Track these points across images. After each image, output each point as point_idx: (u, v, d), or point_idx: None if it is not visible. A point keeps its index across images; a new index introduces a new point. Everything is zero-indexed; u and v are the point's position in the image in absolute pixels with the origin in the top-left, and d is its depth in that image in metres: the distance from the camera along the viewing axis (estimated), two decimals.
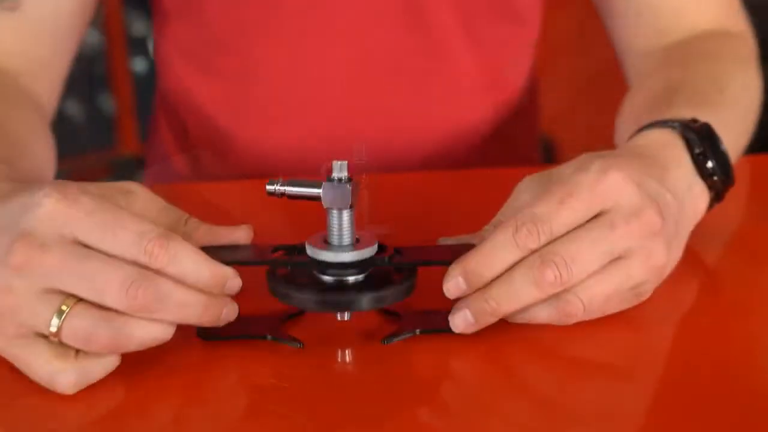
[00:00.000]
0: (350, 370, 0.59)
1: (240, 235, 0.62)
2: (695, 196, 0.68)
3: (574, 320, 0.60)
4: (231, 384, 0.57)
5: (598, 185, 0.59)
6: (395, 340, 0.60)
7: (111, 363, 0.56)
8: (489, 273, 0.58)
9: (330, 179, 0.59)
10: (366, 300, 0.58)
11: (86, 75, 2.55)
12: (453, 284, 0.59)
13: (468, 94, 1.01)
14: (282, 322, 0.62)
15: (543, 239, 0.58)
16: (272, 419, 0.54)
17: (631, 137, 0.72)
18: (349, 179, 0.59)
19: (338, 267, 0.59)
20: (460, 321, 0.59)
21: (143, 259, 0.54)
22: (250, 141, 0.99)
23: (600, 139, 0.88)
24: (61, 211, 0.55)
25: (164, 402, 0.56)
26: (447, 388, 0.57)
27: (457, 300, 0.59)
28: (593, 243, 0.58)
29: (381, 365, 0.59)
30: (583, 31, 2.09)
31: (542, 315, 0.60)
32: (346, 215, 0.59)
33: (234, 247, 0.62)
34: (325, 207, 0.59)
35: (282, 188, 0.60)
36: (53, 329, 0.54)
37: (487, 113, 1.02)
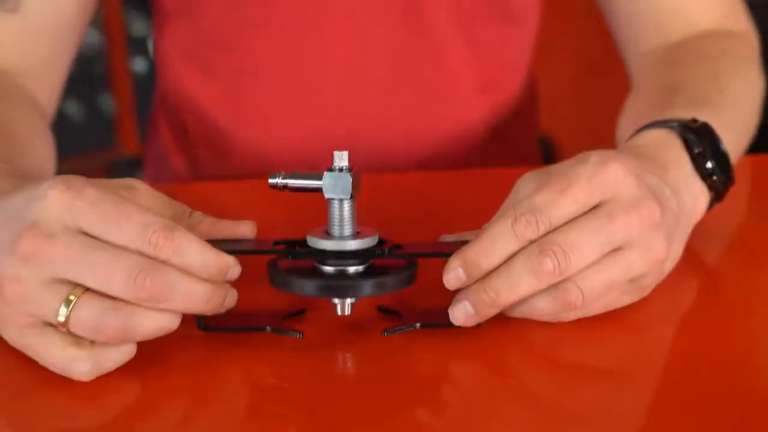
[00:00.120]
0: (350, 370, 0.59)
1: (244, 229, 0.63)
2: (695, 195, 0.68)
3: (572, 313, 0.60)
4: (231, 384, 0.57)
5: (596, 176, 0.59)
6: (396, 332, 0.60)
7: (128, 351, 0.56)
8: (488, 263, 0.58)
9: (331, 169, 0.59)
10: (367, 285, 0.58)
11: (86, 75, 2.55)
12: (453, 275, 0.58)
13: (465, 95, 1.01)
14: (282, 319, 0.62)
15: (542, 229, 0.58)
16: (272, 419, 0.54)
17: (630, 137, 0.72)
18: (350, 169, 0.59)
19: (339, 256, 0.59)
20: (460, 313, 0.59)
21: (148, 250, 0.54)
22: (248, 141, 0.99)
23: (600, 139, 0.88)
24: (66, 202, 0.55)
25: (163, 402, 0.56)
26: (447, 389, 0.57)
27: (456, 294, 0.59)
28: (592, 233, 0.58)
29: (381, 365, 0.59)
30: (584, 31, 2.09)
31: (541, 305, 0.59)
32: (347, 205, 0.59)
33: (235, 241, 0.62)
34: (326, 197, 0.59)
35: (284, 181, 0.60)
36: (61, 319, 0.54)
37: (485, 113, 1.02)
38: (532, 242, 0.58)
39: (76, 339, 0.55)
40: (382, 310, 0.63)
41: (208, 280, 0.55)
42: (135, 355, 0.56)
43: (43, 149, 0.83)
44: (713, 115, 0.72)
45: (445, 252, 0.59)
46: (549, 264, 0.57)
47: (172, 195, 0.64)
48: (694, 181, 0.68)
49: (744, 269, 0.72)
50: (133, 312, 0.54)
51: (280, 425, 0.53)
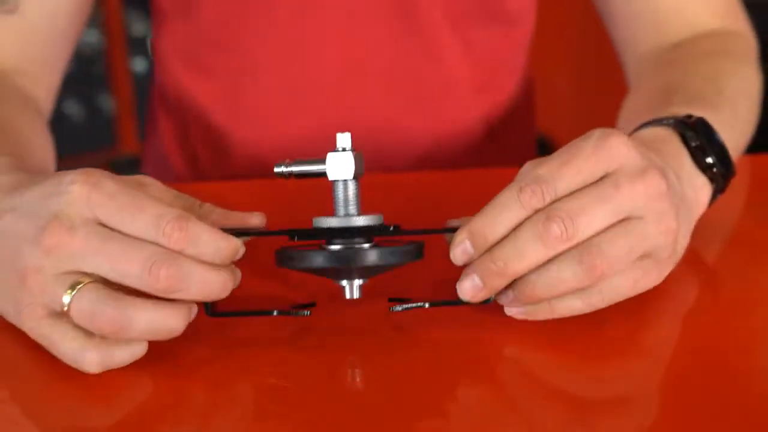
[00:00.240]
0: (351, 370, 0.59)
1: (254, 221, 0.64)
2: (697, 188, 0.68)
3: (599, 278, 0.58)
4: (231, 384, 0.57)
5: (600, 148, 0.59)
6: (403, 308, 0.60)
7: (137, 349, 0.56)
8: (494, 234, 0.57)
9: (334, 151, 0.60)
10: (373, 255, 0.58)
11: (86, 75, 2.55)
12: (459, 249, 0.58)
13: (462, 95, 1.01)
14: (292, 307, 0.62)
15: (547, 199, 0.57)
16: (272, 419, 0.54)
17: (628, 136, 0.72)
18: (353, 149, 0.60)
19: (345, 234, 0.59)
20: (468, 286, 0.58)
21: (162, 240, 0.55)
22: (247, 140, 0.99)
23: None
24: (85, 194, 0.56)
25: (163, 402, 0.56)
26: (448, 389, 0.57)
27: (464, 270, 0.59)
28: (597, 200, 0.58)
29: (383, 365, 0.59)
30: (584, 31, 2.09)
31: (567, 275, 0.57)
32: (351, 186, 0.60)
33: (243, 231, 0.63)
34: (330, 179, 0.60)
35: (289, 168, 0.61)
36: (65, 308, 0.55)
37: (482, 113, 1.02)
38: (537, 211, 0.57)
39: (88, 332, 0.56)
40: (393, 301, 0.63)
41: (220, 266, 0.56)
42: (144, 356, 0.56)
43: (44, 146, 0.83)
44: (712, 114, 0.72)
45: (451, 229, 0.59)
46: (556, 229, 0.56)
47: None
48: (696, 174, 0.68)
49: (744, 269, 0.72)
50: (131, 304, 0.54)
51: (280, 425, 0.53)
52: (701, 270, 0.71)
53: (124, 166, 2.30)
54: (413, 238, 0.61)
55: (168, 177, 1.07)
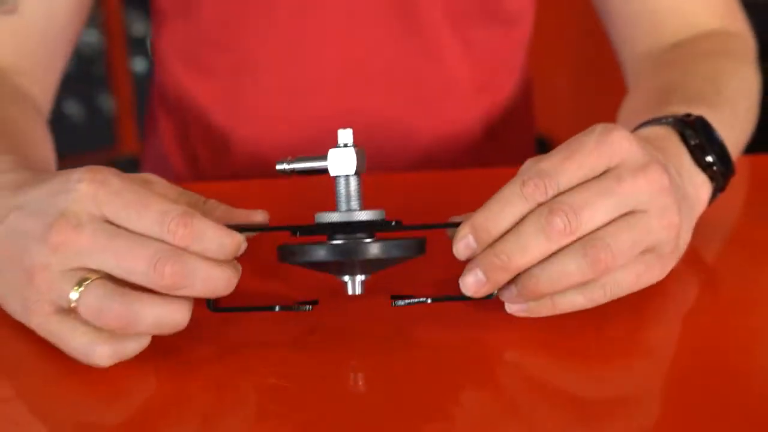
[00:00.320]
0: (351, 369, 0.59)
1: (258, 218, 0.64)
2: (697, 186, 0.68)
3: (603, 290, 0.58)
4: (230, 384, 0.57)
5: (602, 143, 0.59)
6: (405, 303, 0.60)
7: (145, 339, 0.57)
8: (496, 228, 0.57)
9: (336, 147, 0.60)
10: (375, 248, 0.58)
11: (86, 75, 2.55)
12: (462, 243, 0.58)
13: (462, 95, 1.01)
14: (290, 306, 0.61)
15: (550, 193, 0.57)
16: (272, 419, 0.54)
17: None
18: (354, 146, 0.60)
19: (347, 229, 0.59)
20: (471, 281, 0.57)
21: (167, 237, 0.55)
22: (246, 140, 0.99)
23: None
24: (92, 192, 0.56)
25: (163, 402, 0.56)
26: (449, 389, 0.57)
27: (467, 265, 0.59)
28: (600, 194, 0.58)
29: (383, 365, 0.59)
30: (584, 31, 2.09)
31: (571, 268, 0.57)
32: (353, 182, 0.60)
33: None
34: (332, 175, 0.60)
35: (291, 166, 0.61)
36: (72, 304, 0.55)
37: (481, 113, 1.03)
38: (540, 205, 0.57)
39: (97, 326, 0.56)
40: (395, 298, 0.62)
41: (224, 263, 0.56)
42: (147, 355, 0.57)
43: (45, 145, 0.83)
44: (711, 113, 0.73)
45: (454, 224, 0.59)
46: (559, 222, 0.56)
47: None
48: (695, 172, 0.68)
49: (744, 269, 0.72)
50: (138, 299, 0.55)
51: (281, 425, 0.53)
52: (701, 270, 0.71)
53: (124, 166, 2.28)
54: (415, 234, 0.61)
55: (168, 177, 1.06)
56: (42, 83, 0.90)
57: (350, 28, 0.96)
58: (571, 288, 0.58)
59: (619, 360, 0.60)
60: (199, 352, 0.60)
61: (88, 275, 0.55)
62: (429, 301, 0.60)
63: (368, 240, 0.59)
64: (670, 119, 0.70)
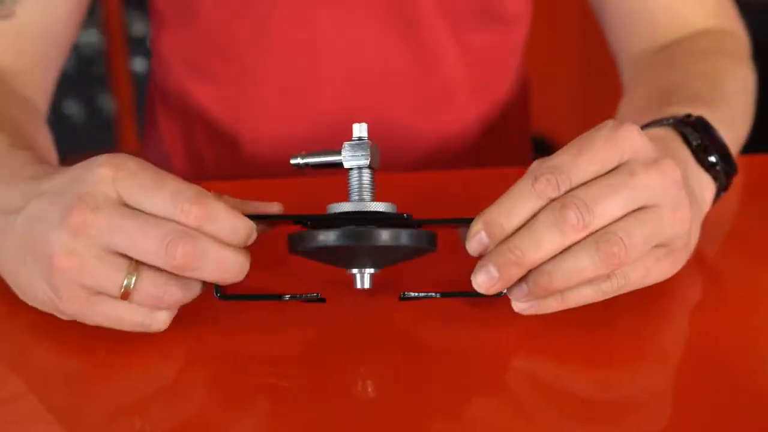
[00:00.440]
0: (351, 369, 0.59)
1: (272, 209, 0.64)
2: (701, 186, 0.68)
3: (617, 267, 0.57)
4: (230, 383, 0.57)
5: (613, 138, 0.59)
6: (413, 297, 0.60)
7: (195, 289, 0.58)
8: (510, 224, 0.57)
9: (350, 140, 0.60)
10: (386, 235, 0.57)
11: (86, 75, 2.55)
12: (475, 240, 0.57)
13: (460, 96, 1.01)
14: (299, 296, 0.61)
15: (562, 188, 0.57)
16: (272, 419, 0.54)
17: None
18: (369, 140, 0.60)
19: (359, 219, 0.59)
20: (483, 277, 0.57)
21: (180, 217, 0.55)
22: (251, 140, 0.99)
23: None
24: (108, 175, 0.57)
25: (163, 402, 0.56)
26: (449, 390, 0.57)
27: (478, 262, 0.58)
28: (613, 188, 0.57)
29: (384, 365, 0.59)
30: (584, 31, 2.09)
31: (585, 264, 0.57)
32: (366, 174, 0.60)
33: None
34: (346, 167, 0.60)
35: (305, 160, 0.62)
36: (123, 290, 0.56)
37: (479, 114, 1.03)
38: (552, 201, 0.57)
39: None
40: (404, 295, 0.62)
41: (237, 248, 0.57)
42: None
43: (49, 145, 0.84)
44: (711, 112, 0.73)
45: (466, 219, 0.59)
46: (572, 217, 0.56)
47: None
48: (699, 172, 0.68)
49: (744, 269, 0.72)
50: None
51: (280, 425, 0.53)
52: (702, 270, 0.71)
53: None
54: (426, 229, 0.60)
55: None
56: (38, 86, 0.90)
57: (348, 30, 0.96)
58: (584, 284, 0.58)
59: (625, 362, 0.60)
60: (199, 351, 0.60)
61: (132, 265, 0.56)
62: (437, 295, 0.60)
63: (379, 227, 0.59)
64: (671, 120, 0.70)
